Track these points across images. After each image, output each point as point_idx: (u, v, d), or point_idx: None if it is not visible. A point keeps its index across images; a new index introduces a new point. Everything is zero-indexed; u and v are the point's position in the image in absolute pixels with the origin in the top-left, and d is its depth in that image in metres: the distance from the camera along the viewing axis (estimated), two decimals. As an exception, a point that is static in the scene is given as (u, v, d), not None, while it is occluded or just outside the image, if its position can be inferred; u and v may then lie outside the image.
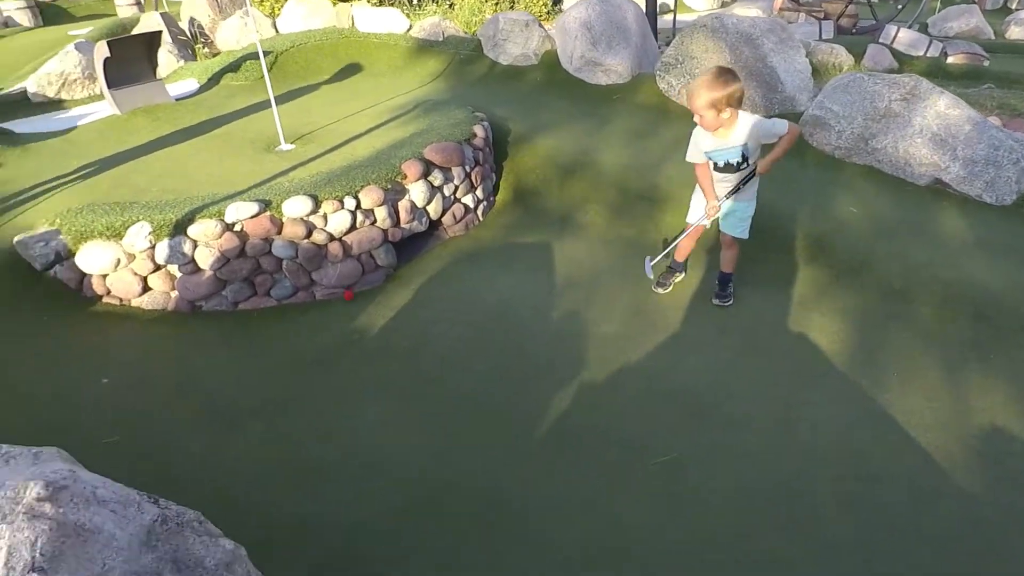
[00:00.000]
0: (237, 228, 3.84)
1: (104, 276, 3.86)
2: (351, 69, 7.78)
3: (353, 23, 9.78)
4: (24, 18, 13.36)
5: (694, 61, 5.84)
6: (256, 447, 2.92)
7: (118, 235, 3.79)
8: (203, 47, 9.31)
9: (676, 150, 5.22)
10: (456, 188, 4.71)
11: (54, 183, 4.67)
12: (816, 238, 4.11)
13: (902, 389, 3.06)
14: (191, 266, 3.83)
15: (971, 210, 4.34)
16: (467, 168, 4.79)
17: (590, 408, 3.02)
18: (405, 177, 4.34)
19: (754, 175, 3.43)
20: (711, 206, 3.50)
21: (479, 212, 4.99)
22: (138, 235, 3.76)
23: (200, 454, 2.88)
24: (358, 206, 4.06)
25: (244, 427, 3.03)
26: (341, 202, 3.99)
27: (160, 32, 6.94)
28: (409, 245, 4.49)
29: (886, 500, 2.51)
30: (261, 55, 5.47)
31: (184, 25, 9.59)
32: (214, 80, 7.41)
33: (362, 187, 4.10)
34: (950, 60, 9.32)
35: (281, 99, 5.34)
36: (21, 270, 3.88)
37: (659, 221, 4.55)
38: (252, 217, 3.82)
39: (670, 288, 3.89)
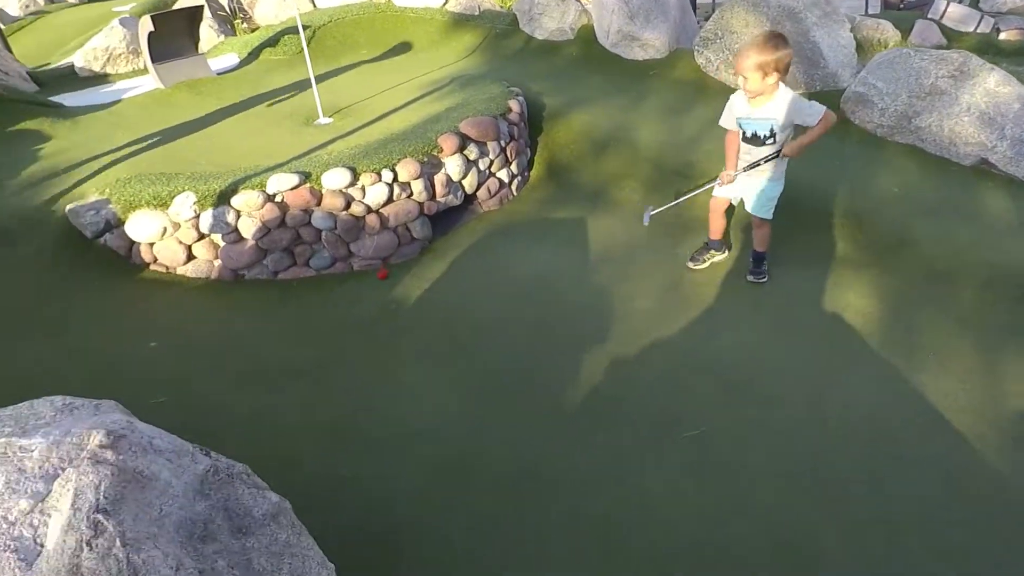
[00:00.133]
0: (278, 199, 3.94)
1: (151, 244, 4.00)
2: (388, 43, 7.81)
3: (390, -3, 9.78)
4: (70, -7, 13.61)
5: (734, 36, 5.74)
6: (296, 410, 3.02)
7: (164, 205, 3.92)
8: (242, 22, 9.43)
9: (713, 127, 5.13)
10: (491, 162, 4.74)
11: (102, 154, 4.81)
12: (855, 217, 4.06)
13: (937, 371, 3.03)
14: (234, 235, 3.94)
15: (1018, 191, 4.23)
16: (502, 143, 4.81)
17: (622, 381, 3.06)
18: (441, 151, 4.38)
19: (778, 155, 3.37)
20: (726, 174, 3.48)
21: (513, 187, 5.02)
22: (183, 205, 3.87)
23: (242, 415, 2.99)
24: (395, 179, 4.12)
25: (284, 391, 3.14)
26: (379, 175, 4.05)
27: (202, 7, 7.06)
28: (444, 218, 4.54)
29: (915, 480, 2.51)
30: (300, 29, 5.53)
31: (223, 0, 9.70)
32: (254, 55, 7.51)
33: (399, 160, 4.16)
34: (1002, 36, 9.00)
35: (319, 73, 5.41)
36: (73, 238, 4.04)
37: (693, 198, 4.52)
38: (292, 188, 3.91)
39: (704, 265, 3.87)
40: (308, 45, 5.72)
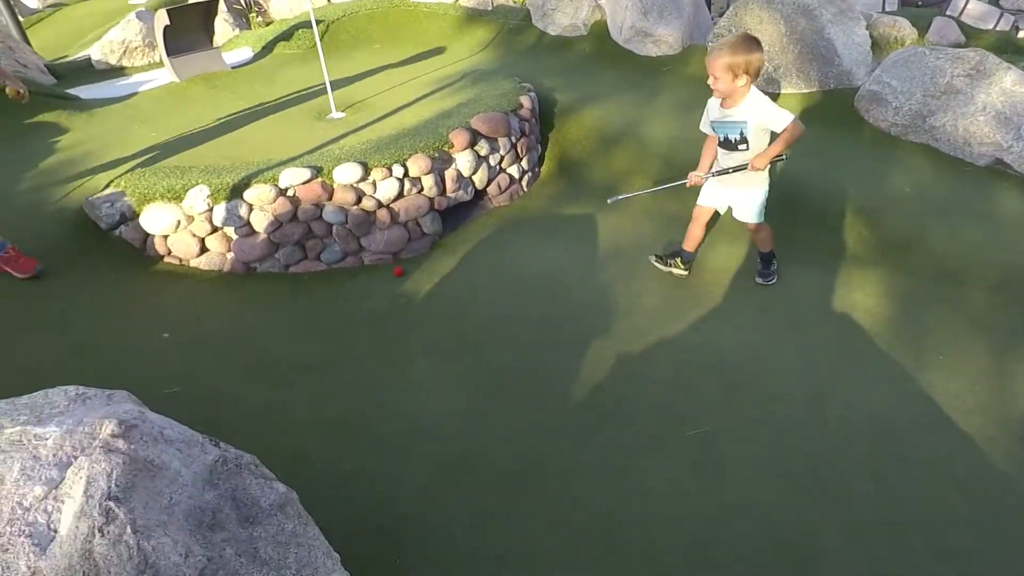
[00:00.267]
0: (290, 193, 3.97)
1: (165, 237, 4.05)
2: (401, 38, 7.83)
3: (404, -8, 9.79)
4: (88, -14, 13.71)
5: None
6: (304, 404, 3.06)
7: (178, 198, 3.96)
8: (256, 16, 9.48)
9: (725, 124, 5.16)
10: (502, 158, 4.75)
11: (118, 147, 4.87)
12: (865, 216, 4.04)
13: (945, 372, 3.02)
14: (246, 229, 3.99)
15: (1032, 192, 4.21)
16: (513, 139, 4.83)
17: (628, 379, 3.07)
18: (452, 146, 4.40)
19: (747, 167, 3.28)
20: (694, 175, 3.44)
21: (524, 183, 5.03)
22: (197, 198, 3.92)
23: (251, 408, 3.03)
24: (406, 174, 4.15)
25: (293, 385, 3.18)
26: (390, 170, 4.08)
27: (217, 1, 7.09)
28: (454, 214, 4.56)
29: (921, 481, 2.51)
30: (314, 24, 5.56)
31: (239, -7, 9.76)
32: (268, 49, 7.55)
33: (410, 155, 4.18)
34: (1022, 34, 8.87)
35: (332, 68, 5.44)
36: (88, 229, 4.10)
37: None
38: (304, 183, 3.95)
39: (665, 269, 3.77)
40: (322, 39, 5.76)
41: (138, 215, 4.03)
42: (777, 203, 4.27)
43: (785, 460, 2.61)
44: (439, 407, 3.00)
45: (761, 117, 3.16)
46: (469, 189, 4.52)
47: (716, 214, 3.71)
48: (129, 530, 1.39)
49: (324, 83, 5.35)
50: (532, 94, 5.33)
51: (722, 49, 3.10)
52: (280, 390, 3.14)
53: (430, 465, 2.70)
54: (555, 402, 2.98)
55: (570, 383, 3.07)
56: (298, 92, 6.01)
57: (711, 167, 3.49)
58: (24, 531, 1.37)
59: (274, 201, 3.94)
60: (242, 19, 9.21)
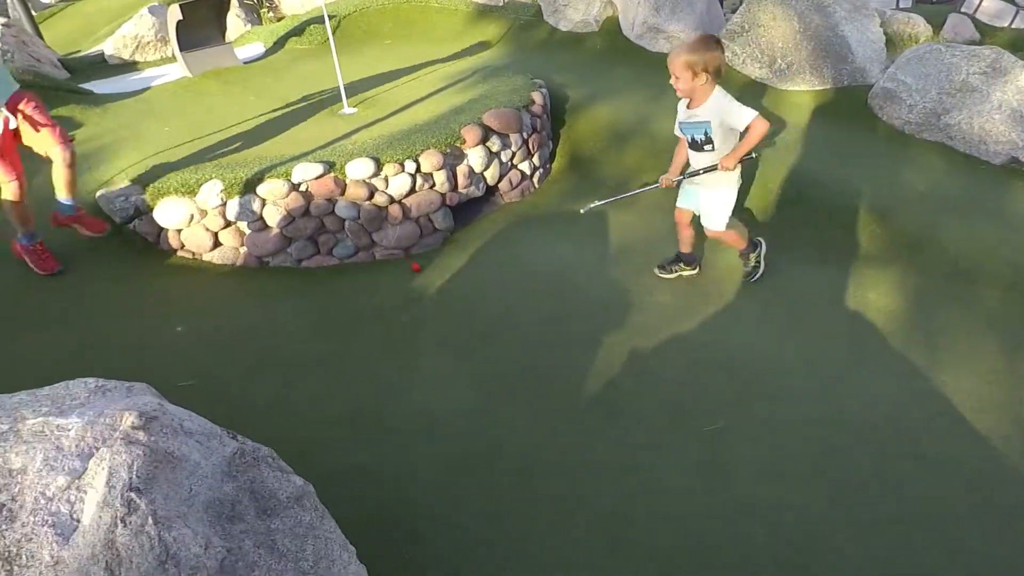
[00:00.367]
0: (303, 188, 3.99)
1: (179, 231, 4.08)
2: (412, 34, 7.83)
3: (415, -13, 9.79)
4: (100, -20, 13.77)
5: (761, 29, 5.68)
6: (317, 396, 3.07)
7: (192, 192, 3.99)
8: (268, 11, 9.49)
9: (737, 121, 5.14)
10: (513, 154, 4.75)
11: (131, 141, 4.90)
12: (878, 213, 4.02)
13: (959, 371, 3.01)
14: (259, 223, 4.01)
15: (1048, 191, 4.18)
16: (525, 135, 4.83)
17: (638, 376, 3.08)
18: (464, 142, 4.40)
19: (716, 168, 3.27)
20: (665, 178, 3.43)
21: (535, 179, 5.03)
22: (211, 192, 3.94)
23: (264, 400, 3.06)
24: (418, 169, 4.16)
25: (306, 377, 3.20)
26: (402, 165, 4.09)
27: (229, -5, 7.13)
28: (465, 209, 4.57)
29: (933, 480, 2.50)
30: (327, 19, 5.57)
31: (251, -12, 9.77)
32: (279, 44, 7.57)
33: (422, 151, 4.19)
34: (1038, 31, 8.78)
35: (344, 63, 5.44)
36: (103, 222, 4.12)
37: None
38: (317, 178, 3.97)
39: (672, 276, 3.74)
40: (333, 35, 5.76)
41: (152, 209, 4.06)
42: (789, 200, 4.28)
43: (795, 459, 2.61)
44: (450, 402, 3.01)
45: (724, 116, 3.16)
46: (481, 185, 4.53)
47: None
48: (150, 521, 1.41)
49: (336, 78, 5.36)
50: (544, 90, 5.33)
51: (680, 48, 3.13)
52: (292, 383, 3.16)
53: (441, 460, 2.71)
54: (565, 398, 2.99)
55: (580, 379, 3.07)
56: (310, 87, 6.02)
57: (684, 170, 3.48)
58: (48, 521, 1.39)
59: (287, 196, 3.96)
60: (253, 14, 9.23)
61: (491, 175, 4.60)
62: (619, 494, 2.52)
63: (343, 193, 4.02)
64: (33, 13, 9.05)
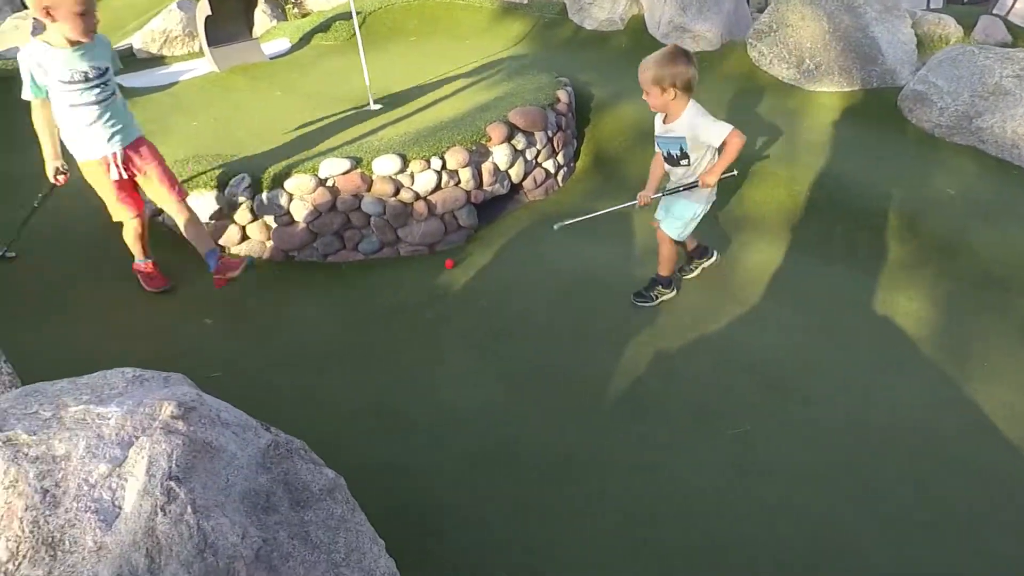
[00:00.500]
0: (329, 183, 4.02)
1: (207, 224, 4.11)
2: (437, 31, 7.84)
3: (439, -16, 9.80)
4: (128, -25, 13.93)
5: (789, 29, 5.63)
6: (342, 390, 3.10)
7: (220, 186, 4.02)
8: (293, 7, 9.55)
9: (764, 121, 5.11)
10: (538, 152, 4.75)
11: (160, 135, 4.93)
12: (908, 218, 3.98)
13: (991, 380, 2.97)
14: (286, 218, 4.04)
15: (1083, 197, 4.10)
16: (550, 133, 4.82)
17: (664, 375, 3.07)
18: (489, 140, 4.41)
19: (696, 185, 3.22)
20: (643, 195, 3.36)
21: (559, 177, 5.03)
22: (239, 186, 3.98)
23: (290, 393, 3.08)
24: (443, 166, 4.17)
25: (331, 371, 3.22)
26: (428, 162, 4.10)
27: (257, -9, 7.18)
28: (490, 207, 4.58)
29: (963, 487, 2.48)
30: (354, 15, 5.60)
31: (277, -16, 9.83)
32: (305, 40, 7.61)
33: (448, 148, 4.20)
34: (1071, 34, 8.62)
35: (369, 59, 5.46)
36: (133, 215, 4.17)
37: (742, 194, 4.48)
38: (344, 173, 3.99)
39: (655, 303, 3.56)
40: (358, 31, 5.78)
41: (181, 202, 4.10)
42: (817, 202, 4.24)
43: (824, 463, 2.59)
44: (474, 398, 3.02)
45: (698, 132, 3.13)
46: (505, 183, 4.53)
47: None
48: (189, 510, 1.43)
49: (361, 74, 5.38)
50: (569, 88, 5.32)
51: (648, 62, 3.11)
52: (317, 377, 3.19)
53: (465, 455, 2.72)
54: (590, 396, 2.98)
55: (605, 377, 3.07)
56: (335, 83, 6.06)
57: (661, 185, 3.44)
58: (90, 507, 1.41)
59: (314, 191, 3.98)
60: (279, 10, 9.29)
61: (516, 173, 4.60)
62: (644, 492, 2.51)
63: (369, 189, 4.05)
64: (63, 7, 9.16)
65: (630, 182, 4.96)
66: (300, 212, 4.03)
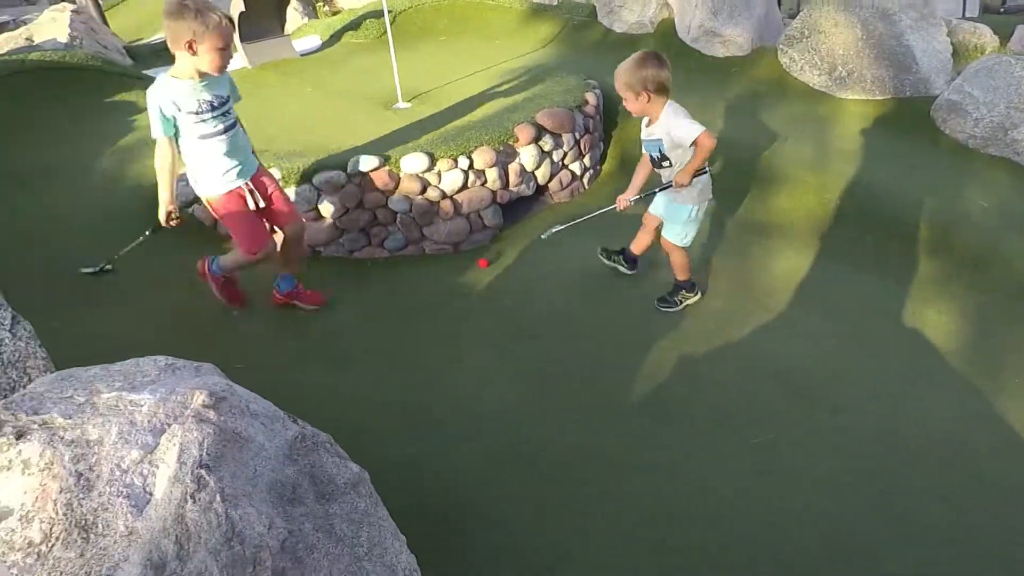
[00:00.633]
0: (357, 180, 4.04)
1: (235, 217, 4.16)
2: (466, 31, 7.87)
3: (469, -16, 9.84)
4: (163, -30, 14.16)
5: (821, 36, 5.57)
6: (366, 385, 3.11)
7: (250, 180, 4.07)
8: (324, 5, 9.65)
9: (793, 128, 5.05)
10: (565, 154, 4.75)
11: (193, 128, 5.02)
12: (940, 229, 3.92)
13: (1023, 396, 2.92)
14: (314, 213, 4.08)
15: (1122, 212, 4.01)
16: (577, 135, 4.82)
17: (689, 379, 3.05)
18: (517, 140, 4.41)
19: (670, 185, 3.27)
20: (622, 199, 3.45)
21: (585, 180, 5.02)
22: (268, 181, 4.02)
23: (313, 387, 3.10)
24: (471, 166, 4.18)
25: (355, 366, 3.24)
26: (455, 161, 4.12)
27: (290, -12, 7.26)
28: (515, 207, 4.58)
29: (992, 501, 2.44)
30: (386, 13, 5.65)
31: (309, -18, 9.94)
32: (336, 37, 7.68)
33: (475, 148, 4.21)
34: (1112, 45, 8.43)
35: (398, 58, 5.49)
36: (164, 207, 4.23)
37: (771, 201, 4.44)
38: (372, 171, 4.02)
39: (680, 307, 3.55)
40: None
41: (211, 195, 4.15)
42: (847, 211, 4.19)
43: (850, 473, 2.56)
44: (496, 397, 3.02)
45: (672, 132, 3.17)
46: (531, 184, 4.54)
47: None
48: (218, 498, 1.45)
49: (390, 73, 5.42)
50: (597, 91, 5.30)
51: (620, 69, 3.17)
52: (341, 371, 3.21)
53: (486, 453, 2.72)
54: (613, 398, 2.97)
55: (629, 380, 3.06)
56: (365, 81, 6.10)
57: (643, 188, 3.51)
58: (122, 492, 1.43)
59: (342, 187, 4.02)
60: (311, 8, 9.40)
61: (542, 174, 4.60)
62: (665, 496, 2.50)
63: (397, 187, 4.07)
64: (100, 2, 9.35)
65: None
66: (328, 208, 4.06)
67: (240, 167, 3.25)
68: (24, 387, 1.80)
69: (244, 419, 1.63)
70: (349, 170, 4.03)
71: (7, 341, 2.02)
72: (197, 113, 3.04)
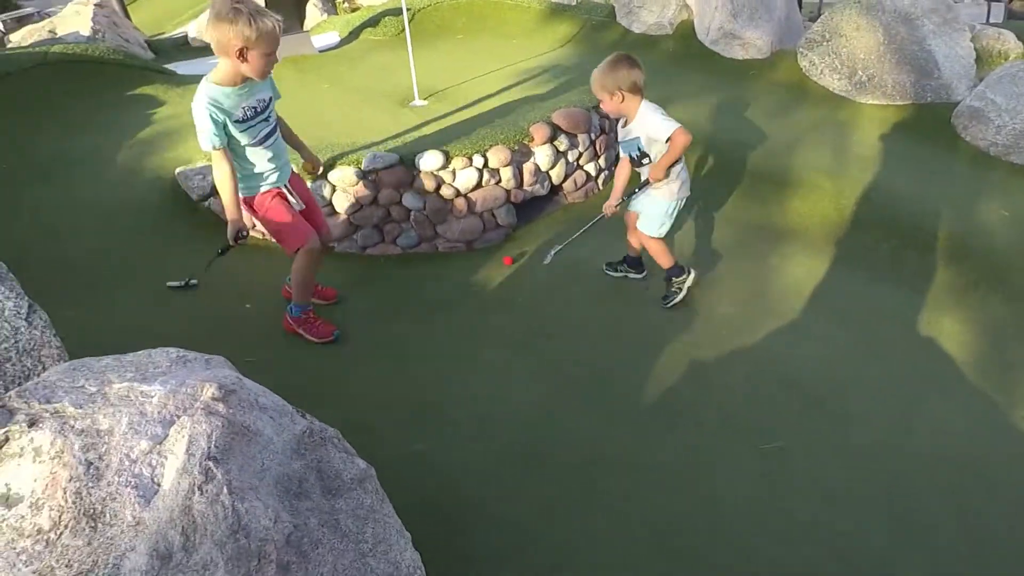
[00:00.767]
0: (372, 177, 4.06)
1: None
2: (484, 29, 7.87)
3: (488, -17, 9.84)
4: (186, -35, 14.28)
5: (842, 39, 5.52)
6: (377, 381, 3.12)
7: (266, 175, 4.09)
8: (343, 1, 9.69)
9: (812, 132, 5.01)
10: (580, 155, 4.74)
11: (211, 122, 5.06)
12: (958, 238, 3.87)
13: (1039, 406, 2.88)
14: (328, 209, 4.09)
15: None
16: (593, 135, 4.80)
17: (699, 384, 3.03)
18: (532, 140, 4.41)
19: (648, 184, 3.32)
20: (608, 205, 3.48)
21: (600, 180, 5.00)
22: (283, 176, 4.04)
23: (324, 382, 3.12)
24: (485, 165, 4.18)
25: (367, 362, 3.25)
26: (470, 159, 4.12)
27: (310, -16, 7.29)
28: (528, 207, 4.57)
29: (1005, 512, 2.40)
30: (404, 11, 5.66)
31: (328, -21, 9.99)
32: (354, 34, 7.71)
33: (490, 146, 4.21)
34: None
35: (416, 56, 5.50)
36: (180, 199, 4.28)
37: (787, 206, 4.40)
38: (387, 168, 4.03)
39: (682, 295, 3.57)
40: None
41: (227, 189, 4.18)
42: (864, 217, 4.15)
43: (861, 483, 2.53)
44: (507, 397, 3.02)
45: (648, 129, 3.21)
46: (545, 183, 4.53)
47: None
48: (225, 491, 1.46)
49: (408, 70, 5.43)
50: (614, 92, 5.28)
51: (595, 72, 3.21)
52: (352, 367, 3.22)
53: (494, 452, 2.72)
54: (624, 400, 2.96)
55: (640, 383, 3.04)
56: (382, 78, 6.12)
57: (625, 190, 3.53)
58: (131, 482, 1.45)
59: (357, 184, 4.03)
60: (330, 4, 9.44)
61: (556, 174, 4.59)
62: (675, 501, 2.48)
63: (411, 184, 4.08)
64: (123, -5, 9.43)
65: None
66: (342, 204, 4.08)
67: (282, 169, 3.22)
68: (38, 375, 1.82)
69: (253, 412, 1.64)
70: (364, 166, 4.04)
71: (23, 329, 2.04)
72: (243, 121, 2.94)
